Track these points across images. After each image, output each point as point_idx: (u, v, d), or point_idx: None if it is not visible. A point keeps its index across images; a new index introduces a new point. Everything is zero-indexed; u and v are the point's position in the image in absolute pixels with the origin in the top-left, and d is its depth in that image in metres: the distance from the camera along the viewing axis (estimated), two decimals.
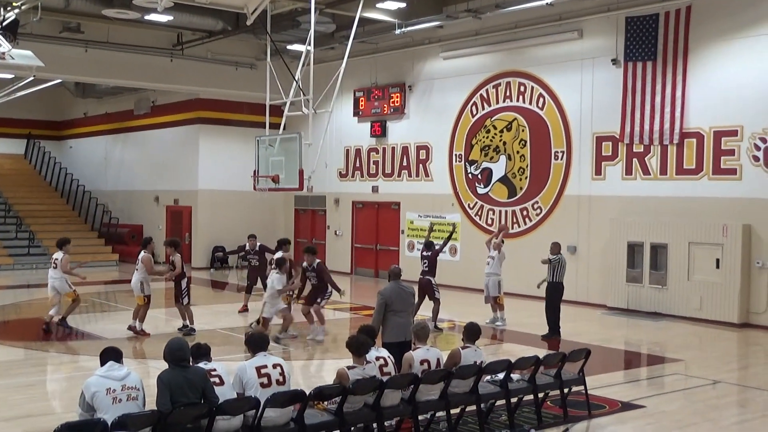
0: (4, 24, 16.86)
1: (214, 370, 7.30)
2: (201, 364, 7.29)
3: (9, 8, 17.12)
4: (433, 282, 15.49)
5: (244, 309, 17.55)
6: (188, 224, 27.79)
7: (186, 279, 15.03)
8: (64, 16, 21.14)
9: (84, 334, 15.24)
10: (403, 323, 9.98)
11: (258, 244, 17.85)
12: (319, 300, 14.39)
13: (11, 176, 32.39)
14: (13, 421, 9.45)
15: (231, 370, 7.53)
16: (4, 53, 16.52)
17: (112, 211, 30.83)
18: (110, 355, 6.96)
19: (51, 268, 15.25)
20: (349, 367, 7.84)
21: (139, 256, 14.65)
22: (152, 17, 20.37)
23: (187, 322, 14.96)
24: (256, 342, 7.68)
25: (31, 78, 19.15)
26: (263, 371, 7.39)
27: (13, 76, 22.78)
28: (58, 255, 15.17)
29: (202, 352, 7.47)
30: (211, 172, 27.10)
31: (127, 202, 30.72)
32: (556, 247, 15.13)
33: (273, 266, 14.45)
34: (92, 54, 23.00)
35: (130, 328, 14.41)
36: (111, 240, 29.19)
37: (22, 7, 17.22)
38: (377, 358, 8.23)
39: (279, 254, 15.47)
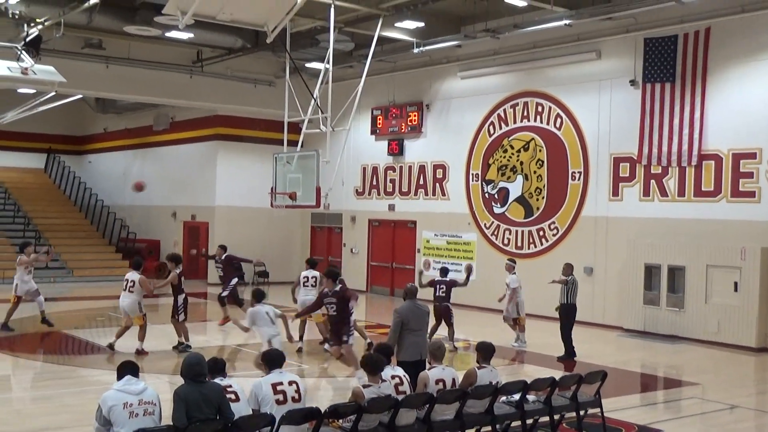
0: (28, 40, 17.08)
1: (230, 386, 7.30)
2: (216, 380, 7.31)
3: (33, 24, 17.33)
4: (450, 309, 15.50)
5: (225, 321, 17.28)
6: (205, 240, 27.89)
7: (183, 296, 14.84)
8: (87, 32, 21.35)
9: (100, 348, 15.29)
10: (419, 342, 9.98)
11: (225, 254, 17.84)
12: (345, 338, 12.59)
13: (31, 190, 32.68)
14: None
15: (246, 387, 7.54)
16: (27, 69, 16.70)
17: (129, 225, 31.00)
18: (127, 369, 6.98)
19: None
20: (364, 386, 7.82)
21: (136, 278, 14.37)
22: (173, 34, 20.56)
23: (182, 339, 14.81)
24: (272, 359, 7.69)
25: (53, 93, 19.32)
26: (279, 388, 7.39)
27: (35, 91, 23.00)
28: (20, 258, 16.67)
29: (218, 367, 7.48)
30: (228, 189, 27.23)
31: (145, 217, 30.88)
32: (568, 269, 15.06)
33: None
34: (113, 70, 23.23)
35: (138, 352, 14.15)
36: (128, 255, 29.28)
37: (46, 23, 17.43)
38: (392, 377, 8.21)
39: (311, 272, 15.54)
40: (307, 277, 15.40)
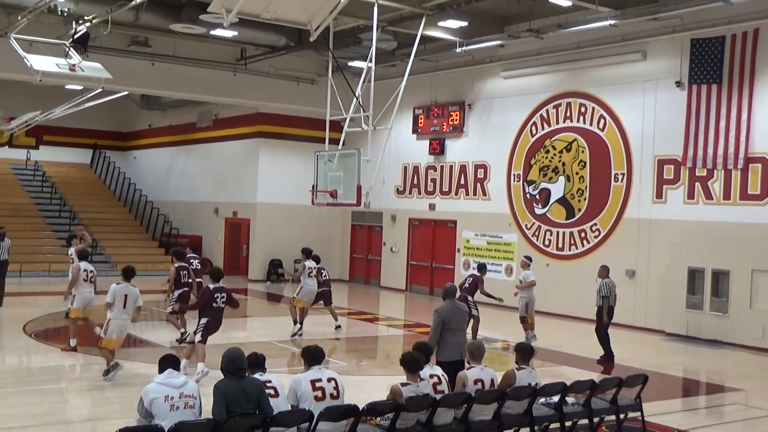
0: (76, 37, 17.34)
1: (270, 381, 7.37)
2: (256, 375, 7.38)
3: (81, 22, 17.61)
4: (470, 299, 15.39)
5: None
6: (246, 236, 28.14)
7: (180, 290, 14.80)
8: (133, 30, 21.66)
9: (142, 342, 15.51)
10: (459, 342, 9.96)
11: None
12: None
13: (77, 185, 33.24)
14: (73, 424, 9.68)
15: (285, 383, 7.60)
16: (74, 65, 16.96)
17: (172, 221, 31.38)
18: (169, 362, 7.09)
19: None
20: (402, 384, 7.83)
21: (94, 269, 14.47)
22: (218, 32, 20.75)
23: (183, 330, 14.78)
24: (312, 355, 7.73)
25: (99, 90, 19.62)
26: (318, 384, 7.43)
27: (82, 87, 23.39)
28: (71, 250, 16.75)
29: (259, 362, 7.55)
30: (270, 186, 27.43)
31: (188, 213, 31.23)
32: (604, 270, 14.96)
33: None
34: (158, 67, 23.53)
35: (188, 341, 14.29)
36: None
37: (93, 21, 17.70)
38: (431, 376, 8.21)
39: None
40: (311, 268, 16.47)
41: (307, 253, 16.81)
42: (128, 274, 12.04)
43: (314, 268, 16.49)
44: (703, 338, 17.22)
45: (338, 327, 16.95)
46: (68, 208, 30.35)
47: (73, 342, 13.93)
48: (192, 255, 16.97)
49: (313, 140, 23.77)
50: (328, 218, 26.82)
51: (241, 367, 7.05)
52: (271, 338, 15.98)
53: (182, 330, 14.87)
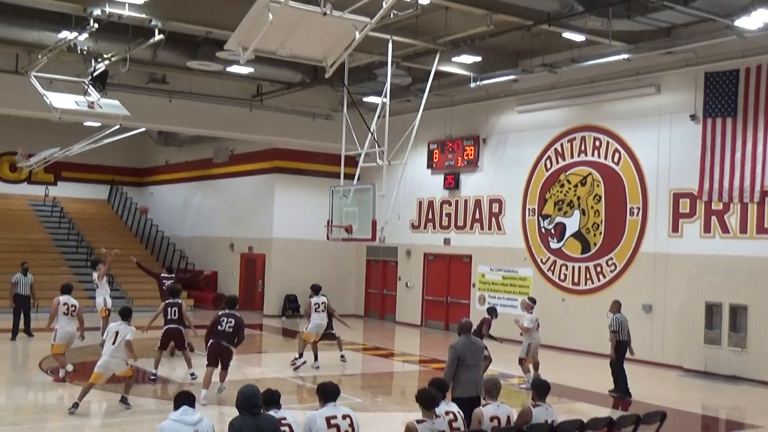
0: (95, 75, 17.59)
1: (284, 418, 7.33)
2: (271, 412, 7.35)
3: (100, 60, 17.87)
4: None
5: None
6: (261, 272, 28.16)
7: (168, 327, 14.98)
8: (151, 67, 21.93)
9: (157, 378, 15.46)
10: (475, 378, 9.91)
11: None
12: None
13: (94, 221, 33.42)
14: None
15: (300, 419, 7.57)
16: (93, 102, 17.19)
17: (188, 256, 31.47)
18: (184, 399, 7.08)
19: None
20: (418, 421, 7.77)
21: (77, 303, 14.85)
22: (234, 69, 20.98)
23: (155, 371, 14.89)
24: (327, 391, 7.70)
25: (117, 126, 19.84)
26: (333, 422, 7.39)
27: (100, 124, 23.64)
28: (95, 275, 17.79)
29: (274, 399, 7.52)
30: (285, 221, 27.50)
31: (204, 249, 31.32)
32: (615, 306, 14.89)
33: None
34: (176, 104, 23.78)
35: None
36: (187, 285, 29.66)
37: (112, 59, 17.95)
38: (447, 413, 8.16)
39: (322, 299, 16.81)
40: (318, 304, 16.68)
41: (316, 290, 17.09)
42: (124, 315, 12.41)
43: (320, 303, 16.75)
44: (721, 374, 17.02)
45: (342, 357, 17.22)
46: (85, 244, 30.50)
47: (62, 373, 14.28)
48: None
49: (328, 175, 23.89)
50: (343, 253, 26.83)
51: (256, 404, 7.02)
52: (286, 374, 15.92)
53: (154, 371, 14.85)
